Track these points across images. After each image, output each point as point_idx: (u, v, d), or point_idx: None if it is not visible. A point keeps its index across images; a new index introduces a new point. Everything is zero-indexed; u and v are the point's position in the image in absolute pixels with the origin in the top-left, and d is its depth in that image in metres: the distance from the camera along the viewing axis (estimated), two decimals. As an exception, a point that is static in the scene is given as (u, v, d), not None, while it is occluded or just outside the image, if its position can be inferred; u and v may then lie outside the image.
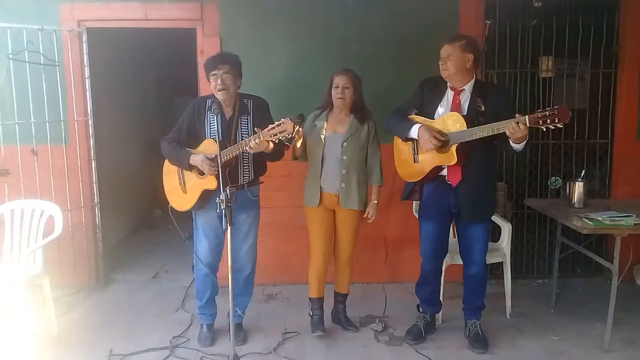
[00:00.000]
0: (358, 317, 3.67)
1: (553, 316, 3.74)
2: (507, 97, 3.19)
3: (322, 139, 3.29)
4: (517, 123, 2.73)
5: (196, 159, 3.06)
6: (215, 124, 3.10)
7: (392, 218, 3.79)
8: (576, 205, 3.53)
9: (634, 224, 3.08)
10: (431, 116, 3.11)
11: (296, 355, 3.22)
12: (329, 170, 3.31)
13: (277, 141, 2.89)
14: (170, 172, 3.27)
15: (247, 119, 3.18)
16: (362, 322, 3.63)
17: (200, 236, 3.28)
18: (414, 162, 3.16)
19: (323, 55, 4.08)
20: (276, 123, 2.84)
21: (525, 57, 4.29)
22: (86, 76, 4.14)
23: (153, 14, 4.08)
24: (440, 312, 3.56)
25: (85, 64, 4.13)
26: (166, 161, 3.28)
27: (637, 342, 3.35)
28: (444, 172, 3.11)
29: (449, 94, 3.09)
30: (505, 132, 2.79)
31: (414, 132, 3.07)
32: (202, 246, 3.27)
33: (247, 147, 2.95)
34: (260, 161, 3.22)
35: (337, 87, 3.26)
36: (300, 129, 3.02)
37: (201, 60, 3.83)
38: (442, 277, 3.46)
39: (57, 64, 3.99)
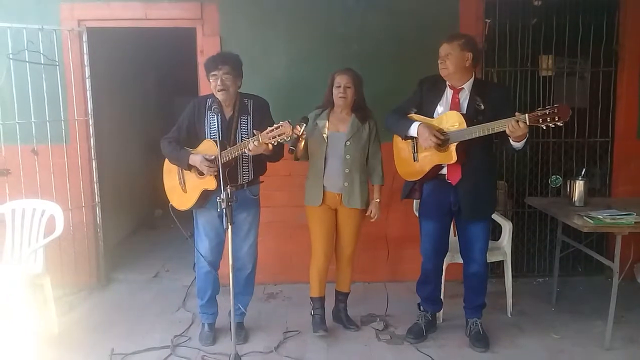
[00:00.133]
0: (359, 316, 3.68)
1: (554, 315, 3.74)
2: (506, 95, 3.20)
3: (325, 138, 3.29)
4: (517, 121, 2.73)
5: (195, 159, 3.06)
6: (215, 123, 3.10)
7: (392, 217, 3.79)
8: (577, 204, 3.53)
9: (635, 222, 3.08)
10: (430, 115, 3.11)
11: (297, 354, 3.22)
12: (332, 169, 3.30)
13: (275, 144, 2.89)
14: (170, 172, 3.28)
15: (247, 119, 3.18)
16: (363, 320, 3.64)
17: (201, 235, 3.28)
18: (414, 160, 3.17)
19: (323, 55, 4.08)
20: (275, 126, 2.84)
21: (525, 55, 4.29)
22: (86, 76, 4.14)
23: (153, 14, 4.08)
24: (441, 311, 3.56)
25: (86, 63, 4.13)
26: (166, 160, 3.28)
27: (638, 340, 3.35)
28: (444, 171, 3.11)
29: (448, 92, 3.09)
30: (505, 131, 2.79)
31: (413, 130, 3.07)
32: (202, 245, 3.27)
33: (245, 150, 2.95)
34: (259, 161, 3.22)
35: (339, 86, 3.26)
36: (304, 133, 3.04)
37: (201, 60, 3.84)
38: (443, 276, 3.46)
39: (57, 63, 3.99)
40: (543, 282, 4.35)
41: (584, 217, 3.17)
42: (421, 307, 3.47)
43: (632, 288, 4.04)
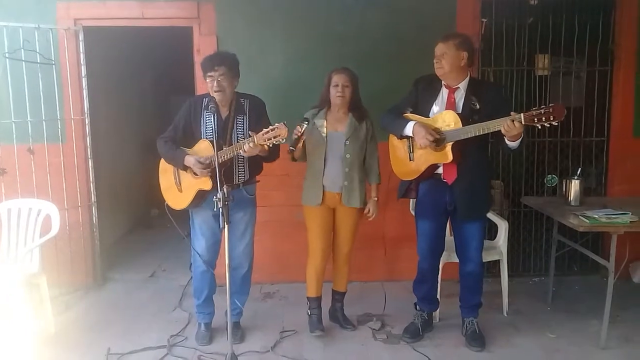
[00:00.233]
0: (356, 315, 3.68)
1: (549, 314, 3.75)
2: (502, 94, 3.20)
3: (324, 138, 3.29)
4: (512, 121, 2.74)
5: (189, 160, 3.05)
6: (211, 123, 3.10)
7: (389, 216, 3.80)
8: (572, 203, 3.54)
9: (630, 221, 3.09)
10: (426, 114, 3.11)
11: (294, 353, 3.22)
12: (332, 168, 3.30)
13: (271, 145, 2.89)
14: (166, 171, 3.27)
15: (243, 118, 3.18)
16: (360, 320, 3.64)
17: (197, 234, 3.28)
18: (410, 160, 3.17)
19: (320, 54, 4.08)
20: (270, 127, 2.84)
21: (521, 55, 4.30)
22: (83, 75, 4.14)
23: (149, 13, 4.07)
24: (438, 310, 3.57)
25: (82, 62, 4.13)
26: (162, 160, 3.27)
27: (634, 339, 3.36)
28: (440, 171, 3.11)
29: (444, 92, 3.09)
30: (500, 130, 2.80)
31: (409, 129, 3.07)
32: (199, 244, 3.27)
33: (241, 151, 2.95)
34: (255, 161, 3.21)
35: (337, 85, 3.25)
36: (303, 136, 3.05)
37: (198, 59, 3.83)
38: (440, 275, 3.47)
39: (53, 62, 3.98)
40: (539, 282, 4.36)
41: (580, 217, 3.18)
42: (417, 307, 3.47)
43: (628, 287, 4.06)
